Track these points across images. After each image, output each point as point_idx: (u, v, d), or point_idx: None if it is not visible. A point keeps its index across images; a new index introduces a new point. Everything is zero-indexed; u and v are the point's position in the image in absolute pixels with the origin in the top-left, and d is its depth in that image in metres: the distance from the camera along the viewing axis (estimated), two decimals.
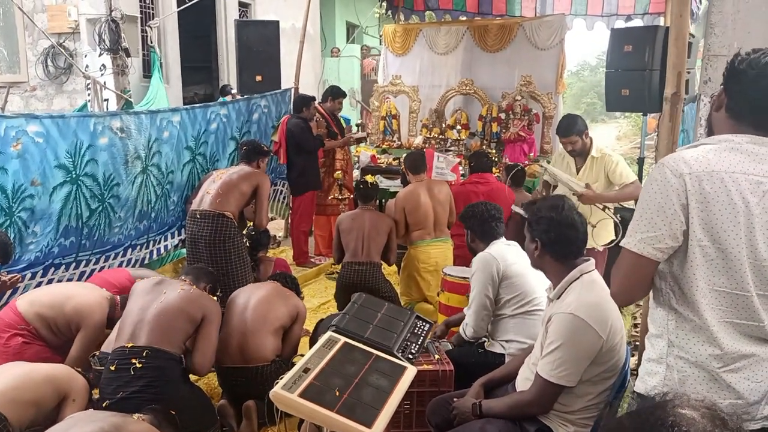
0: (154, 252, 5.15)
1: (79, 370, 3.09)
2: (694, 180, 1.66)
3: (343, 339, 2.55)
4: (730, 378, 1.70)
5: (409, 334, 2.82)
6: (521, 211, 4.20)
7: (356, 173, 7.07)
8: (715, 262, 1.68)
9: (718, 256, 1.68)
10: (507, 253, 3.22)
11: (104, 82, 5.63)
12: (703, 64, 2.84)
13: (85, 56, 5.94)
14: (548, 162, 5.15)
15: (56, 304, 3.34)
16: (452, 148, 7.55)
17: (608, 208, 4.11)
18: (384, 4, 8.77)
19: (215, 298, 3.36)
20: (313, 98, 6.26)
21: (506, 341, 3.11)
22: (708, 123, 1.87)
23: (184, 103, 9.62)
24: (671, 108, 2.59)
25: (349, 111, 11.11)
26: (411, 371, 2.48)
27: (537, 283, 3.02)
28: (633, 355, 3.42)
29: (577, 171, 4.35)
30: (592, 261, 2.37)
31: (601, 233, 4.20)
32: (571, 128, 4.23)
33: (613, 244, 4.34)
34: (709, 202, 1.65)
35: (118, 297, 3.55)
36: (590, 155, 4.27)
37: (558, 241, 2.31)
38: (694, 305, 1.71)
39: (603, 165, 4.22)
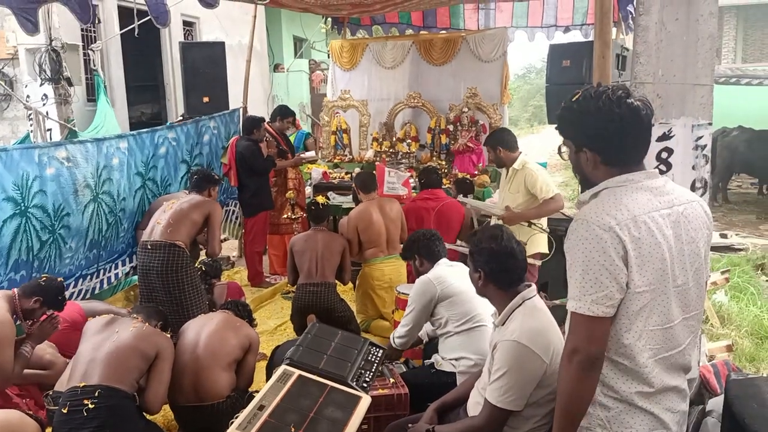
0: (105, 281, 5.08)
1: (30, 413, 3.05)
2: (624, 229, 1.69)
3: (297, 372, 2.60)
4: (654, 409, 1.80)
5: (363, 362, 2.89)
6: (460, 249, 4.31)
7: (309, 190, 7.09)
8: (649, 305, 1.74)
9: (653, 298, 1.74)
10: (448, 275, 3.34)
11: (47, 112, 5.51)
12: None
13: (26, 86, 5.79)
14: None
15: None
16: (403, 160, 7.66)
17: (535, 224, 4.29)
18: (329, 20, 8.82)
19: (168, 335, 3.34)
20: (263, 119, 6.26)
21: (455, 359, 3.20)
22: (583, 177, 1.88)
23: (131, 124, 9.48)
24: None
25: (301, 125, 11.09)
26: (365, 400, 2.54)
27: (479, 299, 3.10)
28: None
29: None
30: (534, 287, 2.47)
31: (532, 248, 4.36)
32: (487, 140, 4.65)
33: (547, 258, 4.47)
34: (641, 247, 1.71)
35: (15, 290, 3.43)
36: (512, 167, 4.49)
37: (499, 270, 2.41)
38: (628, 349, 1.76)
39: (523, 177, 4.45)
